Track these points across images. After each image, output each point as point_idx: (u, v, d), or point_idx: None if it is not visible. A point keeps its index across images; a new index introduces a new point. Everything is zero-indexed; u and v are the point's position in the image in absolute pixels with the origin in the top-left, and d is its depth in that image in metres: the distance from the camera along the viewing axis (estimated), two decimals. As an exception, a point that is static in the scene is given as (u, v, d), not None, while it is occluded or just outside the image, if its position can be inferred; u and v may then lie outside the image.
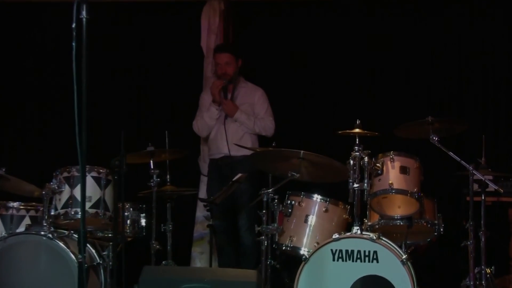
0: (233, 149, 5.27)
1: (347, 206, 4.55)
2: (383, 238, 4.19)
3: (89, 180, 4.43)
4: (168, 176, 5.14)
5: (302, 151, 4.34)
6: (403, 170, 4.47)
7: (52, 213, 4.45)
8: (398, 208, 4.53)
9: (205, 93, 5.60)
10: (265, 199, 4.44)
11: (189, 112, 5.75)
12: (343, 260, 4.07)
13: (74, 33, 2.91)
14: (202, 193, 5.80)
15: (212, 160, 5.54)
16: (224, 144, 5.30)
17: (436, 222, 4.58)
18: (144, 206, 4.93)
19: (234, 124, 5.39)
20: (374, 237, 4.09)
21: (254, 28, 6.28)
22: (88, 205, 4.40)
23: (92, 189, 4.44)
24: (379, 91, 6.12)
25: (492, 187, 4.51)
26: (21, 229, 4.55)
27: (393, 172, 4.45)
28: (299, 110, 6.19)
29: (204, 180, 5.89)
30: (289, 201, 4.56)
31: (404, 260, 4.04)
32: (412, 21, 6.08)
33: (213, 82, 5.46)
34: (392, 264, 4.03)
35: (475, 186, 4.59)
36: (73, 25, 2.92)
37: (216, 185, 5.30)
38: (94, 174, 4.48)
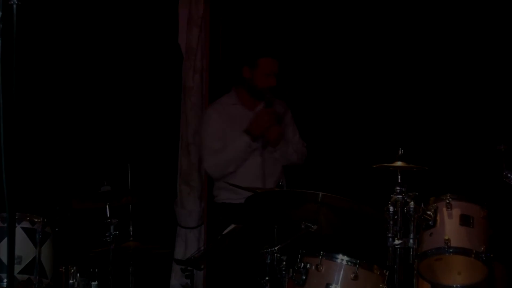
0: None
1: (385, 271, 4.52)
2: (437, 318, 4.19)
3: (19, 234, 4.42)
4: (131, 228, 5.14)
5: (321, 193, 4.34)
6: (465, 220, 4.47)
7: (-34, 281, 4.44)
8: (458, 275, 4.53)
9: (216, 112, 5.60)
10: (268, 260, 4.42)
11: (161, 138, 5.75)
12: None
13: (0, 26, 2.94)
14: (179, 252, 5.80)
15: (227, 206, 5.54)
16: (259, 184, 5.33)
17: (512, 295, 4.59)
18: (96, 270, 4.92)
19: (271, 156, 5.55)
20: (424, 316, 4.09)
21: (253, 20, 6.33)
22: (17, 268, 4.38)
23: (23, 247, 4.44)
24: (430, 108, 6.15)
25: None
26: None
27: (450, 223, 4.46)
28: (318, 134, 6.22)
29: (182, 234, 5.89)
30: (302, 264, 4.50)
31: None
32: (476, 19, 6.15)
33: (266, 111, 5.44)
34: None
35: None
36: (-1, 14, 2.95)
37: None
38: (26, 224, 4.48)
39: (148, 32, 6.34)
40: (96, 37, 6.30)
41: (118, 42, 6.35)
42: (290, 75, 6.14)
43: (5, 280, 4.31)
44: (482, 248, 4.42)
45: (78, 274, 4.80)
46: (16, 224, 4.38)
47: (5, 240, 4.23)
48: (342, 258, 4.50)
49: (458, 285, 4.49)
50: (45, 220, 4.48)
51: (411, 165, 4.39)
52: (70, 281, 4.75)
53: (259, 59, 5.52)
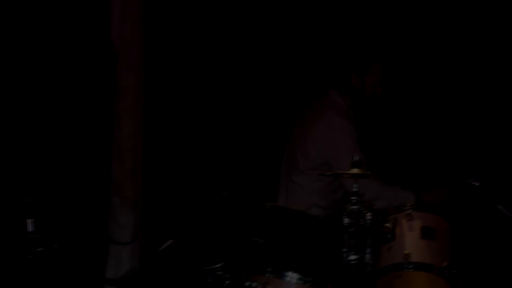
0: None
1: (339, 290, 4.52)
2: None
3: None
4: (56, 244, 5.06)
5: (268, 204, 4.33)
6: (427, 233, 4.48)
7: None
8: (419, 293, 4.52)
9: (351, 124, 5.45)
10: (210, 279, 4.39)
11: (92, 143, 5.67)
12: None
13: None
14: (111, 270, 5.76)
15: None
16: None
17: (478, 315, 4.60)
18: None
19: None
20: None
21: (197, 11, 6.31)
22: None
23: None
24: (390, 111, 6.15)
25: None
26: None
27: (410, 236, 4.47)
28: (266, 138, 6.22)
29: (114, 251, 5.85)
30: (248, 283, 4.47)
31: None
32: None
33: (447, 190, 5.28)
34: None
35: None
36: None
37: None
38: None
39: (77, 25, 6.27)
40: (16, 27, 6.20)
41: (42, 38, 6.26)
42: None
43: None
44: (445, 264, 4.42)
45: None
46: None
47: None
48: (291, 276, 4.47)
49: (420, 305, 4.48)
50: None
51: (368, 172, 4.42)
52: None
53: (371, 65, 5.53)
